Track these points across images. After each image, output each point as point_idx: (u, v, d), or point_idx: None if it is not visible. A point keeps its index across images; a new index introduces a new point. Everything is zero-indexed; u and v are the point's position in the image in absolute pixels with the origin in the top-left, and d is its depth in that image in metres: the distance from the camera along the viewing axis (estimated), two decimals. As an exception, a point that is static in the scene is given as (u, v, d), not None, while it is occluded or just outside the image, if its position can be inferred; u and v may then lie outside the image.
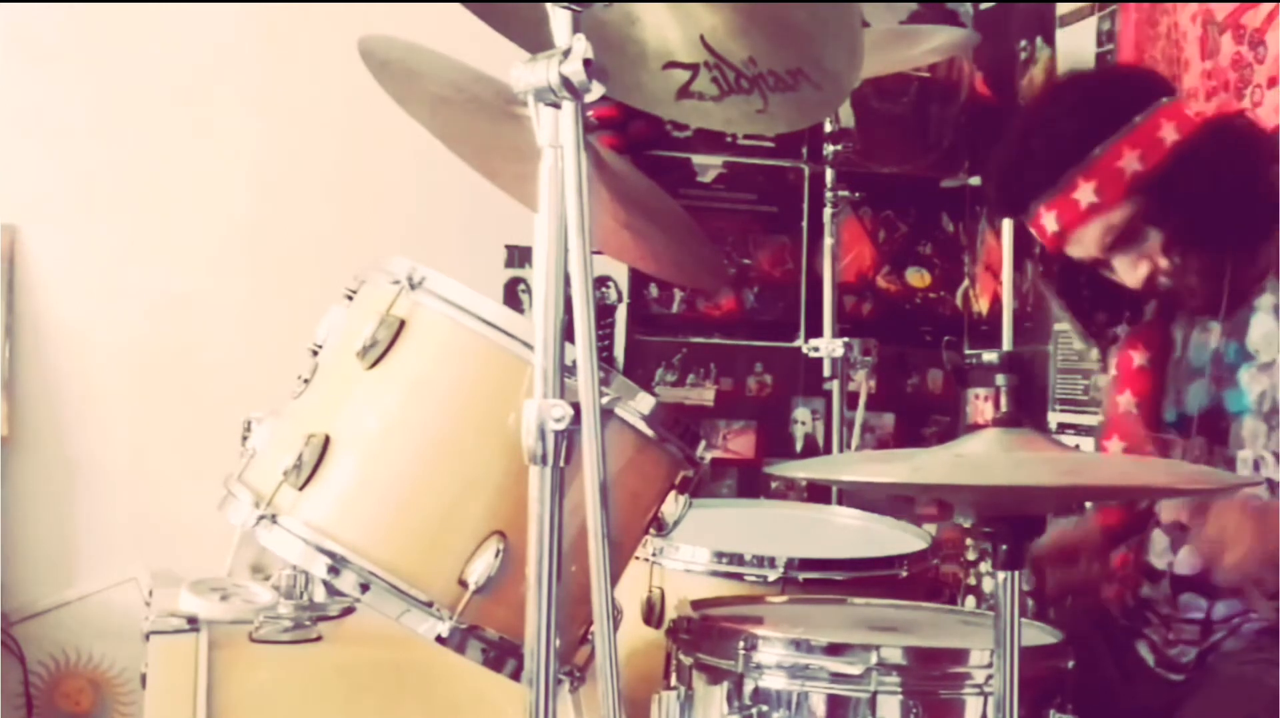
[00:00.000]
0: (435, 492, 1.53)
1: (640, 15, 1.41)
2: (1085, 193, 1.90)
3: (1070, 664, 1.60)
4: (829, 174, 2.96)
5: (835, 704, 1.53)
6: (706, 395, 3.83)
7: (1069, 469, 1.42)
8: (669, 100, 1.41)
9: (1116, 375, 2.11)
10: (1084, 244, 1.95)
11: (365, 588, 1.50)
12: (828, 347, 2.87)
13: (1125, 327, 2.11)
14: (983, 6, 3.96)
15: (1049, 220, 1.94)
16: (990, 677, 1.50)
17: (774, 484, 3.71)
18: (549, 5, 1.26)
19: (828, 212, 2.97)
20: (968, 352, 3.97)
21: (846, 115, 2.94)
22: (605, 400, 1.52)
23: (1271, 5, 2.83)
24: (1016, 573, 1.38)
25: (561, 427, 1.26)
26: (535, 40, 1.28)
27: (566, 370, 1.28)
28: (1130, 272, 1.97)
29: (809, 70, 1.44)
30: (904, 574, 2.03)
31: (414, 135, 1.72)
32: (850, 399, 2.87)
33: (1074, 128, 1.93)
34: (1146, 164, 1.89)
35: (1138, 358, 2.08)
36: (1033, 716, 1.50)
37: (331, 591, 2.05)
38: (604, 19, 1.36)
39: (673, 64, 1.40)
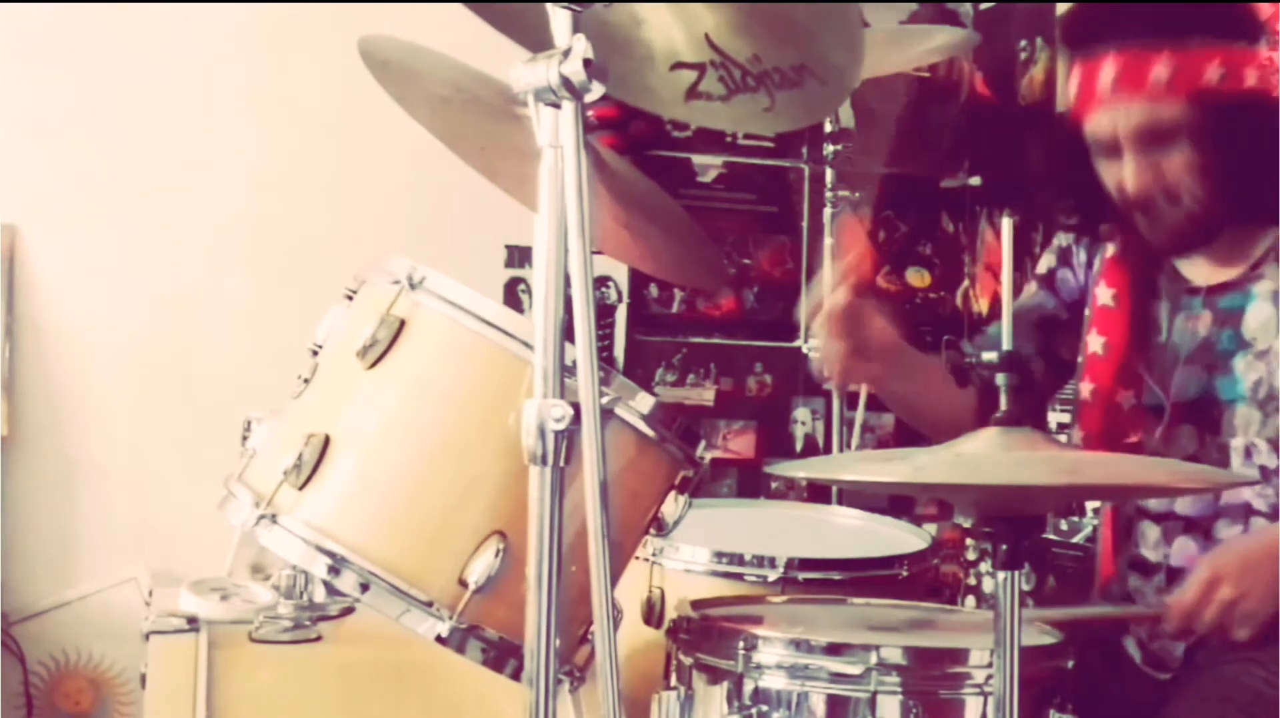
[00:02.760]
0: (435, 492, 1.53)
1: (645, 16, 1.41)
2: (1161, 70, 1.84)
3: (1070, 664, 1.60)
4: (829, 174, 2.97)
5: (835, 704, 1.52)
6: (706, 395, 3.83)
7: (1068, 469, 1.42)
8: (678, 102, 1.41)
9: (1089, 317, 2.07)
10: (1115, 119, 1.89)
11: (365, 588, 1.50)
12: (828, 347, 2.86)
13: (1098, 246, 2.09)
14: (983, 6, 3.97)
15: (1105, 73, 1.87)
16: (990, 677, 1.50)
17: (774, 484, 3.71)
18: (549, 5, 1.26)
19: (828, 211, 2.97)
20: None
21: (846, 115, 2.94)
22: (605, 400, 1.52)
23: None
24: (1016, 573, 1.38)
25: (561, 427, 1.26)
26: (538, 40, 1.28)
27: (566, 370, 1.28)
28: (1133, 173, 1.90)
29: (813, 65, 1.44)
30: (904, 574, 2.03)
31: (414, 135, 1.72)
32: (850, 399, 2.88)
33: (1185, 8, 1.87)
34: (1224, 85, 1.84)
35: (1103, 298, 2.05)
36: (1033, 715, 1.50)
37: (331, 591, 2.05)
38: (609, 21, 1.36)
39: (680, 64, 1.40)
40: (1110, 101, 1.89)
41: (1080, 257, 2.15)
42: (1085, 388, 2.04)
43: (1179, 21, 1.86)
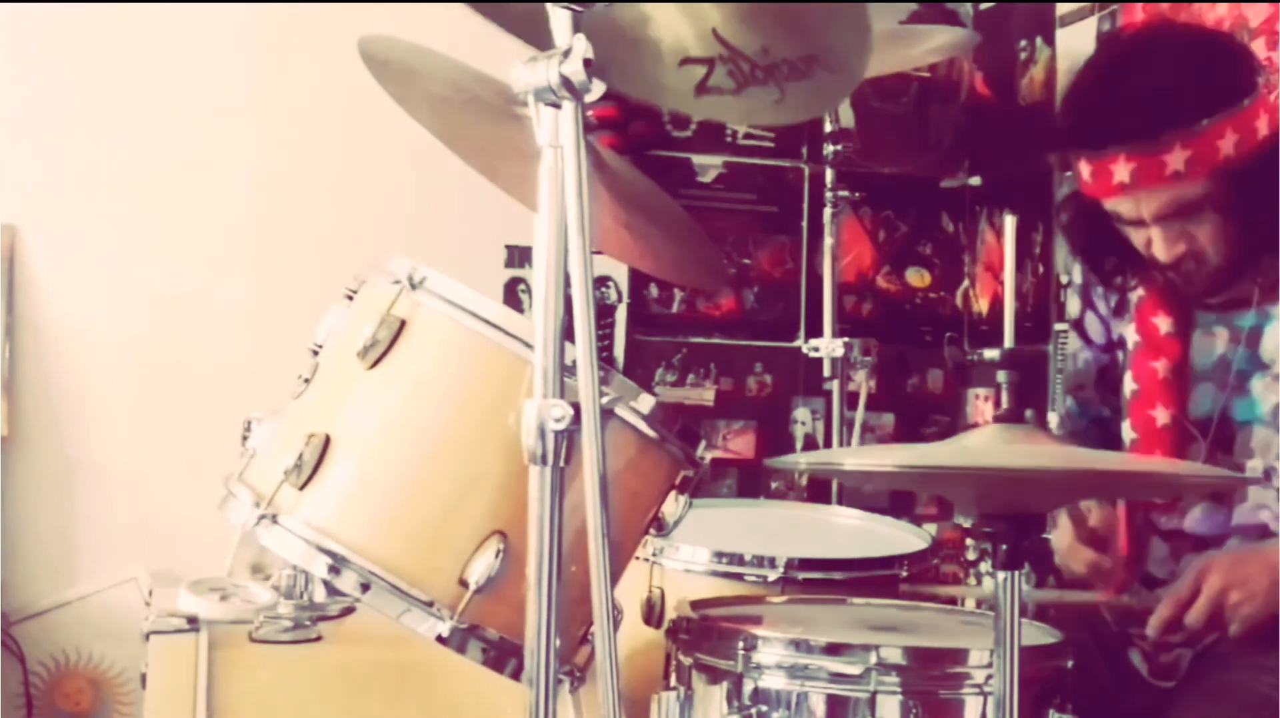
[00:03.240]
0: (436, 492, 1.53)
1: (652, 14, 1.42)
2: (1176, 160, 1.81)
3: (1070, 664, 1.60)
4: (829, 174, 2.96)
5: (835, 704, 1.53)
6: (706, 395, 3.83)
7: (1070, 460, 1.41)
8: (690, 97, 1.41)
9: (1142, 343, 2.04)
10: (1140, 206, 1.87)
11: (366, 588, 1.50)
12: (828, 347, 2.87)
13: (1134, 281, 2.05)
14: (983, 6, 3.96)
15: (1120, 170, 1.84)
16: (990, 677, 1.50)
17: (774, 484, 3.71)
18: (549, 5, 1.26)
19: (828, 212, 2.97)
20: (968, 352, 3.98)
21: (846, 115, 2.94)
22: (605, 400, 1.52)
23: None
24: (1017, 573, 1.38)
25: (561, 427, 1.26)
26: (542, 39, 1.28)
27: (566, 370, 1.28)
28: (1167, 245, 1.88)
29: (821, 55, 1.44)
30: (904, 574, 2.03)
31: (413, 135, 1.71)
32: (850, 399, 2.87)
33: (1187, 88, 1.83)
34: (1239, 151, 1.81)
35: (1164, 327, 2.01)
36: (1033, 715, 1.50)
37: (332, 590, 2.05)
38: (617, 20, 1.36)
39: (689, 60, 1.40)
40: (1130, 192, 1.86)
41: (1103, 298, 2.14)
42: (1162, 415, 2.00)
43: (1184, 110, 1.82)
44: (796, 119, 1.52)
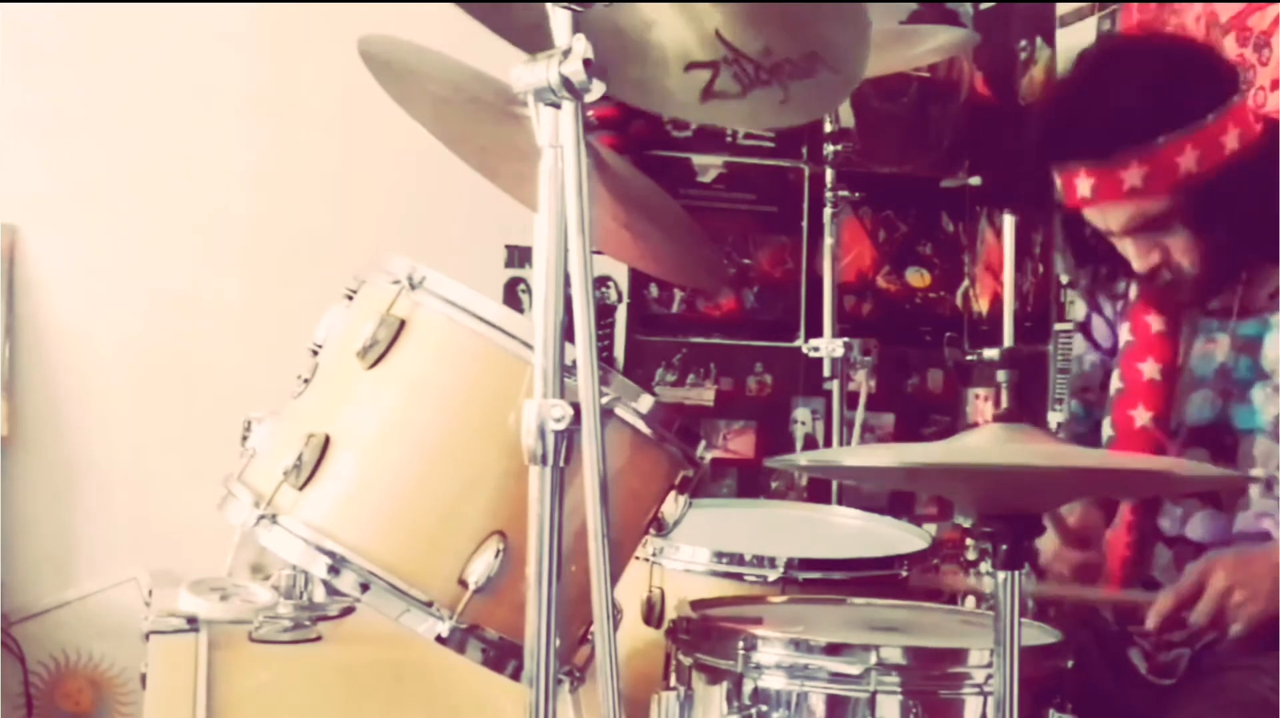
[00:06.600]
0: (435, 492, 1.53)
1: (655, 18, 1.42)
2: (1133, 176, 1.82)
3: (1070, 664, 1.60)
4: (829, 174, 2.97)
5: (835, 704, 1.52)
6: (706, 395, 3.83)
7: (1067, 459, 1.41)
8: (695, 104, 1.41)
9: (1133, 342, 2.04)
10: (1106, 218, 1.89)
11: (365, 588, 1.50)
12: (828, 347, 2.87)
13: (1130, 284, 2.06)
14: (983, 6, 3.96)
15: (1082, 184, 1.85)
16: (990, 677, 1.50)
17: (774, 484, 3.71)
18: (549, 5, 1.27)
19: (828, 212, 2.97)
20: (967, 351, 3.98)
21: (846, 115, 2.94)
22: (605, 400, 1.52)
23: (1279, 8, 2.83)
24: (1016, 573, 1.38)
25: (561, 427, 1.26)
26: (532, 42, 1.28)
27: (566, 370, 1.28)
28: (1139, 256, 1.90)
29: (823, 53, 1.44)
30: (904, 574, 2.03)
31: (414, 135, 1.72)
32: (850, 399, 2.87)
33: (1145, 105, 1.84)
34: (1202, 166, 1.81)
35: (1155, 325, 2.01)
36: (1032, 715, 1.50)
37: (331, 591, 2.05)
38: (620, 25, 1.36)
39: (694, 64, 1.41)
40: (1094, 205, 1.88)
41: (1109, 302, 2.14)
42: (1142, 415, 2.00)
43: (1140, 127, 1.82)
44: (800, 120, 1.53)
